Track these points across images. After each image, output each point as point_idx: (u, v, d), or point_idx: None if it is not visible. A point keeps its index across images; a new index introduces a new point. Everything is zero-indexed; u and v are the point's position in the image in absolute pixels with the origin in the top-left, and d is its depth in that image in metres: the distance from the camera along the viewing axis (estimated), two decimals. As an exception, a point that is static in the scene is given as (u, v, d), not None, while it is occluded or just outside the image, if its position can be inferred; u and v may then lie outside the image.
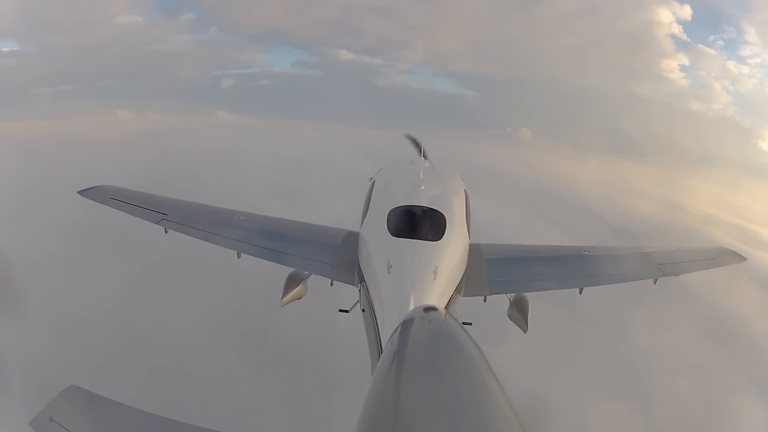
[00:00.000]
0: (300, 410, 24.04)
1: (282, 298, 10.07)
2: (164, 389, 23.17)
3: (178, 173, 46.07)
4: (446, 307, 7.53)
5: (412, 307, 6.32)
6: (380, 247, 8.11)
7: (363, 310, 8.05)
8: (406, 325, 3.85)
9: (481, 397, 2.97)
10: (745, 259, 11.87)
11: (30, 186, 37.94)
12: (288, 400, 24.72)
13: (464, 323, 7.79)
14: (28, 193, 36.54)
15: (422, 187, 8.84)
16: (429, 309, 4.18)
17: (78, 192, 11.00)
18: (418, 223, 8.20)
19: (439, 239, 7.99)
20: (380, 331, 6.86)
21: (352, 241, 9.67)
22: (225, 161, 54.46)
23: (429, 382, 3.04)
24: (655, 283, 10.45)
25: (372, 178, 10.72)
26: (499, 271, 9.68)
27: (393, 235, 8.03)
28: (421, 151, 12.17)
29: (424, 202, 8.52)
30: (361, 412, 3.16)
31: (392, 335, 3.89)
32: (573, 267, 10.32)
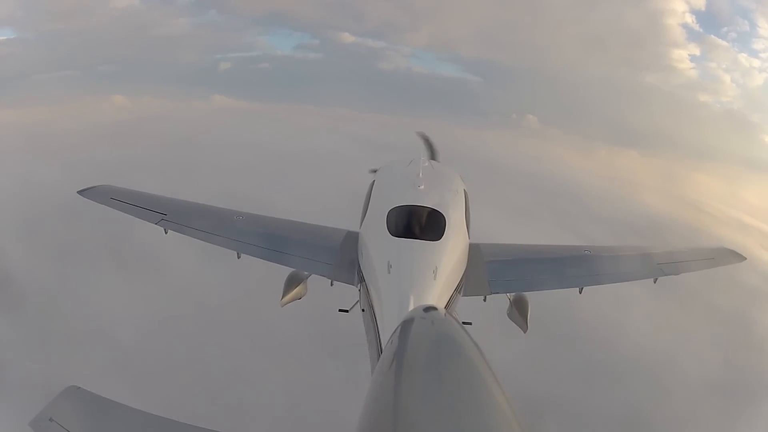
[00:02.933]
0: (300, 410, 24.05)
1: (282, 298, 10.08)
2: (164, 389, 23.17)
3: (167, 162, 45.48)
4: (446, 307, 7.52)
5: (411, 307, 6.31)
6: (380, 247, 8.11)
7: (363, 310, 8.05)
8: (406, 324, 3.85)
9: (480, 397, 2.96)
10: (745, 258, 11.86)
11: (25, 183, 37.69)
12: (288, 399, 24.73)
13: (464, 323, 7.79)
14: (24, 190, 36.38)
15: (422, 187, 8.83)
16: (429, 309, 4.18)
17: (77, 192, 10.96)
18: (417, 223, 8.19)
19: (438, 239, 7.99)
20: (380, 331, 6.86)
21: (351, 241, 9.66)
22: (214, 149, 53.44)
23: (429, 382, 3.04)
24: (655, 282, 10.45)
25: (373, 170, 10.73)
26: (499, 270, 9.67)
27: (393, 235, 8.03)
28: (433, 152, 12.14)
29: (424, 202, 8.51)
30: (361, 412, 3.16)
31: (392, 335, 3.89)
32: (573, 267, 10.29)
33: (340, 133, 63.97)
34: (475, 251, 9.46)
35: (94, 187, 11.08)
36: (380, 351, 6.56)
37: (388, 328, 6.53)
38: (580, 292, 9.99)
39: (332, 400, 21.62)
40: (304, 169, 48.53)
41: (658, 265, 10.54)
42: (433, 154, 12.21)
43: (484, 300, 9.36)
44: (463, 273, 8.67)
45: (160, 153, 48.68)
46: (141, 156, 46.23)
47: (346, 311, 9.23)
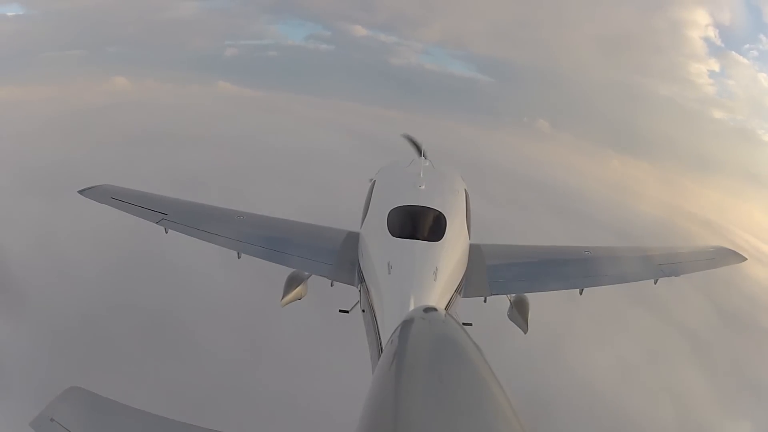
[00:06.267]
0: (300, 410, 24.04)
1: (282, 298, 10.08)
2: (165, 389, 23.17)
3: (143, 153, 44.70)
4: (446, 308, 7.52)
5: (412, 308, 6.32)
6: (380, 247, 8.12)
7: (363, 311, 8.05)
8: (406, 325, 3.86)
9: (480, 397, 2.97)
10: (745, 258, 11.82)
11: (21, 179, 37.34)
12: (288, 399, 24.71)
13: (464, 324, 7.80)
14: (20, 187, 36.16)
15: (422, 187, 8.85)
16: (429, 309, 4.19)
17: (78, 191, 10.99)
18: (418, 224, 8.20)
19: (439, 240, 8.00)
20: (380, 331, 6.87)
21: (352, 241, 9.68)
22: (203, 139, 52.28)
23: (429, 382, 3.05)
24: (655, 283, 10.45)
25: (372, 180, 10.73)
26: (500, 271, 9.66)
27: (393, 235, 8.04)
28: (420, 151, 12.15)
29: (425, 202, 8.52)
30: (361, 412, 3.17)
31: (392, 335, 3.89)
32: (573, 267, 10.28)
33: (343, 126, 63.29)
34: (475, 252, 9.47)
35: (95, 186, 11.10)
36: (380, 351, 6.56)
37: (388, 329, 6.54)
38: (581, 293, 9.99)
39: (332, 400, 21.61)
40: (293, 167, 47.27)
41: (658, 266, 10.52)
42: (420, 152, 12.21)
43: (485, 301, 9.37)
44: (463, 274, 8.67)
45: (139, 143, 47.31)
46: (116, 146, 45.09)
47: (347, 312, 9.23)
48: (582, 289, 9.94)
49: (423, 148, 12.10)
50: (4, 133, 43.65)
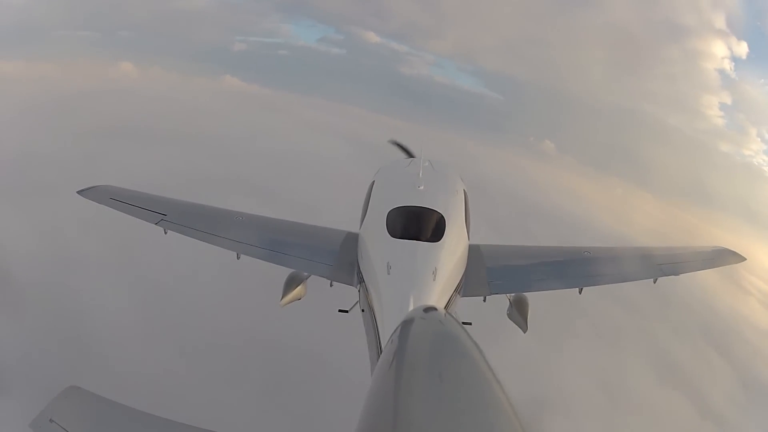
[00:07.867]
0: (300, 410, 24.05)
1: (282, 298, 10.08)
2: (164, 389, 23.16)
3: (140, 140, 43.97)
4: (446, 308, 7.53)
5: (411, 308, 6.32)
6: (380, 248, 8.11)
7: (363, 311, 8.05)
8: (406, 325, 3.84)
9: (481, 397, 2.96)
10: (744, 259, 11.83)
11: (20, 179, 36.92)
12: (288, 400, 24.73)
13: (464, 323, 7.80)
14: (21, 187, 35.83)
15: (422, 188, 8.84)
16: (429, 309, 4.17)
17: (77, 192, 10.99)
18: (417, 224, 8.19)
19: (438, 240, 7.99)
20: (380, 331, 6.87)
21: (351, 242, 9.68)
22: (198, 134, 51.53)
23: (429, 382, 3.04)
24: (654, 283, 10.46)
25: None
26: (499, 271, 9.67)
27: (392, 236, 8.03)
28: (409, 153, 12.22)
29: (424, 202, 8.52)
30: (361, 412, 3.16)
31: (392, 335, 3.88)
32: (573, 267, 10.30)
33: (345, 132, 63.11)
34: (474, 252, 9.48)
35: (94, 187, 11.10)
36: (380, 351, 6.57)
37: (387, 329, 6.54)
38: (580, 293, 10.00)
39: (332, 400, 21.62)
40: (280, 173, 46.46)
41: (657, 266, 10.53)
42: (409, 154, 12.27)
43: (484, 300, 9.37)
44: (462, 274, 8.67)
45: (121, 135, 46.22)
46: (93, 136, 44.25)
47: (346, 312, 9.24)
48: (581, 289, 9.95)
49: (410, 149, 12.16)
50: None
